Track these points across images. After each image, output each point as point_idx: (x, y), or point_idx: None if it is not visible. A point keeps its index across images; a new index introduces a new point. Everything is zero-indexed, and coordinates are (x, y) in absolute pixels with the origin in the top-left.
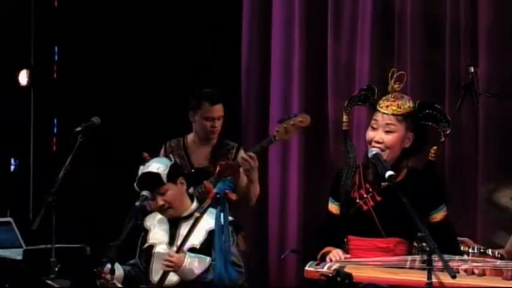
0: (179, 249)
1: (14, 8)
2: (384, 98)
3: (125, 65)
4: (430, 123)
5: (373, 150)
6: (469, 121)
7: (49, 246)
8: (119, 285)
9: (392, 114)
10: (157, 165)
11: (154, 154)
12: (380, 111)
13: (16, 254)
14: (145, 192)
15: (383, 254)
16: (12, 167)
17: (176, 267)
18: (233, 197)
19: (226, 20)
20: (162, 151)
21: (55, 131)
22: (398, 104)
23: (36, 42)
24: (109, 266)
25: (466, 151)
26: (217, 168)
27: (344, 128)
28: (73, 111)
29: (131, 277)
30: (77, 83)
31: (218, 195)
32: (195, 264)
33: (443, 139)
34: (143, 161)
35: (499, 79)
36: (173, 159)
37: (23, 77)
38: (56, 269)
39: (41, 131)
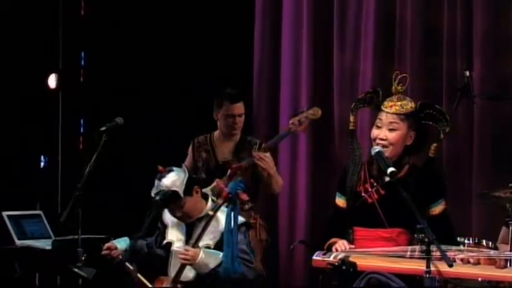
0: (195, 245)
1: (44, 17)
2: (388, 99)
3: (145, 69)
4: (430, 123)
5: (376, 148)
6: (465, 121)
7: (76, 237)
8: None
9: (395, 114)
10: (173, 181)
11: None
12: (384, 111)
13: (46, 244)
14: (158, 197)
15: (386, 243)
16: (42, 164)
17: (191, 261)
18: (244, 197)
19: (239, 28)
20: (190, 147)
21: (82, 130)
22: (400, 104)
23: (64, 49)
24: (113, 243)
25: (462, 149)
26: (228, 172)
27: (351, 127)
28: (98, 112)
29: (140, 252)
30: (102, 86)
31: (230, 195)
32: (209, 259)
33: (442, 137)
34: (159, 175)
35: (492, 82)
36: (186, 170)
37: (52, 81)
38: (83, 258)
39: (69, 131)
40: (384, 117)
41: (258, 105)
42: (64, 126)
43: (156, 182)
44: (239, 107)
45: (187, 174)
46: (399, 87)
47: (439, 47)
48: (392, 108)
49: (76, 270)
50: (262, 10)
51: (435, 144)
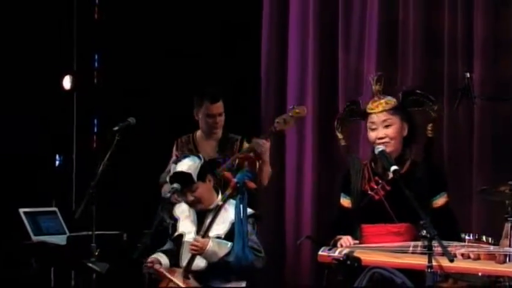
0: (205, 235)
1: (59, 21)
2: (370, 102)
3: (157, 70)
4: (417, 108)
5: (379, 148)
6: (465, 121)
7: (90, 233)
8: (167, 274)
9: (385, 111)
10: (189, 165)
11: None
12: (373, 113)
13: (60, 240)
14: (175, 185)
15: (395, 237)
16: (57, 162)
17: (201, 251)
18: (252, 185)
19: (248, 32)
20: (174, 147)
21: (95, 130)
22: (385, 102)
23: (78, 51)
24: (155, 256)
25: (462, 147)
26: (236, 161)
27: (343, 144)
28: (111, 113)
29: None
30: (115, 87)
31: (238, 185)
32: (218, 248)
33: (434, 115)
34: (175, 159)
35: (491, 84)
36: (202, 158)
37: (67, 82)
38: (96, 253)
39: (83, 130)
40: (376, 118)
41: (265, 106)
42: (78, 126)
43: (172, 166)
44: (218, 107)
45: (202, 161)
46: (378, 87)
47: (440, 49)
48: (379, 107)
49: (90, 265)
50: (269, 14)
51: (431, 124)
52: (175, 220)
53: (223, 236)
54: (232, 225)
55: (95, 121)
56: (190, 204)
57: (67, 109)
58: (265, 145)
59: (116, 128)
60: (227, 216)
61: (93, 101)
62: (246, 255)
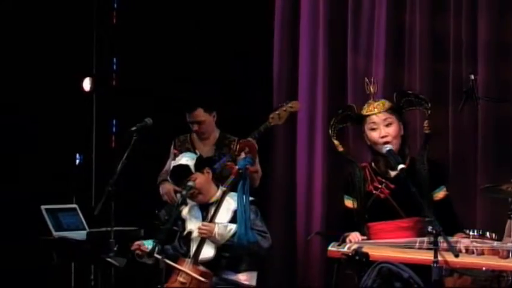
0: (211, 221)
1: (79, 26)
2: (366, 105)
3: (172, 72)
4: (411, 108)
5: (387, 147)
6: (470, 121)
7: (109, 228)
8: (176, 265)
9: (385, 111)
10: (186, 159)
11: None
12: (372, 114)
13: (81, 235)
14: (190, 183)
15: (405, 232)
16: (77, 161)
17: (209, 234)
18: (253, 169)
19: (261, 36)
20: (172, 146)
21: (114, 130)
22: (382, 103)
23: (98, 54)
24: (142, 242)
25: (467, 147)
26: (238, 146)
27: (340, 150)
28: (129, 113)
29: (172, 256)
30: (133, 89)
31: (240, 171)
32: (224, 231)
33: (429, 113)
34: (174, 156)
35: (495, 86)
36: (198, 153)
37: (87, 84)
38: (115, 248)
39: (102, 130)
40: (376, 118)
41: (276, 105)
42: (98, 126)
43: (172, 163)
44: (197, 115)
45: (198, 155)
46: (373, 89)
47: (446, 52)
48: (378, 107)
49: (109, 259)
50: (281, 19)
51: (426, 121)
52: (183, 221)
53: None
54: (234, 213)
55: (114, 121)
56: (191, 197)
57: (86, 110)
58: (253, 145)
59: (133, 128)
60: (229, 206)
61: (111, 102)
62: (248, 235)
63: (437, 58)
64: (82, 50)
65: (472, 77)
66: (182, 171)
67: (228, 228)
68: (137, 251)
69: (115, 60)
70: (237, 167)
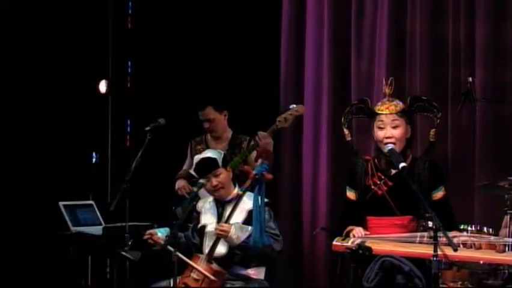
0: (227, 221)
1: (95, 31)
2: (380, 103)
3: (183, 75)
4: (424, 114)
5: (389, 146)
6: (468, 122)
7: (124, 224)
8: (162, 242)
9: (394, 113)
10: (213, 153)
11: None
12: (383, 114)
13: (97, 230)
14: (202, 180)
15: (399, 229)
16: (93, 160)
17: (226, 234)
18: (269, 177)
19: (266, 43)
20: (188, 148)
21: (128, 130)
22: (395, 104)
23: (113, 58)
24: (155, 230)
25: (465, 146)
26: (256, 154)
27: (348, 138)
28: (143, 114)
29: (178, 242)
30: (146, 91)
31: (257, 176)
32: (239, 232)
33: (438, 122)
34: (198, 152)
35: (492, 88)
36: (222, 152)
37: (103, 86)
38: (130, 242)
39: (117, 130)
40: (385, 118)
41: (284, 108)
42: (113, 126)
43: (196, 156)
44: (206, 113)
45: (224, 153)
46: (388, 90)
47: (445, 56)
48: (389, 109)
49: (124, 253)
50: (288, 24)
51: (433, 130)
52: (198, 213)
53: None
54: (249, 213)
55: (128, 122)
56: (213, 190)
57: (102, 111)
58: (267, 138)
59: (147, 128)
60: (244, 206)
61: (126, 103)
62: (263, 239)
63: (436, 62)
64: (98, 54)
65: (470, 79)
66: (209, 164)
67: (244, 230)
68: (150, 240)
69: (129, 63)
70: (254, 172)
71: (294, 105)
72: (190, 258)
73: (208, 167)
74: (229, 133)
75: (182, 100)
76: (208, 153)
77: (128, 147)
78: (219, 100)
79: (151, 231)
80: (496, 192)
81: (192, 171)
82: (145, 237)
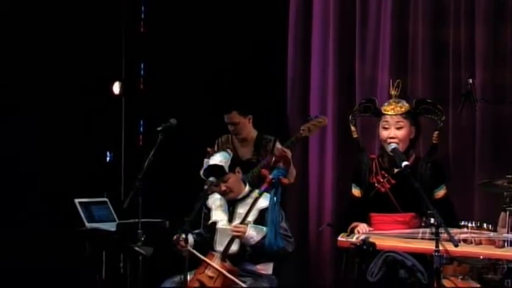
0: (243, 222)
1: (109, 34)
2: (386, 103)
3: (195, 76)
4: (428, 116)
5: (392, 145)
6: (468, 122)
7: (137, 220)
8: (192, 249)
9: (399, 114)
10: (220, 159)
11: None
12: (388, 114)
13: (111, 226)
14: (211, 178)
15: (401, 226)
16: (107, 158)
17: (243, 235)
18: (285, 181)
19: (275, 47)
20: (215, 147)
21: (141, 130)
22: (400, 106)
23: (126, 60)
24: (183, 236)
25: (466, 145)
26: (273, 159)
27: (354, 136)
28: (155, 115)
29: (198, 243)
30: (159, 92)
31: (273, 180)
32: (254, 233)
33: (441, 125)
34: (208, 155)
35: (491, 89)
36: (231, 153)
37: (116, 88)
38: (142, 238)
39: (130, 130)
40: (390, 119)
41: (291, 108)
42: (126, 127)
43: (205, 160)
44: (232, 116)
45: (231, 156)
46: (395, 92)
47: (446, 59)
48: (394, 110)
49: (137, 248)
50: (294, 29)
51: (436, 132)
52: (208, 210)
53: (252, 222)
54: (260, 212)
55: (141, 122)
56: (223, 194)
57: (116, 112)
58: (284, 152)
59: (159, 128)
60: (256, 205)
61: (139, 104)
62: (277, 241)
63: (437, 64)
64: (112, 57)
65: (470, 81)
66: (217, 171)
67: (258, 231)
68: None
69: (142, 65)
70: (270, 176)
71: (318, 116)
72: (204, 255)
73: (215, 173)
74: (254, 134)
75: (194, 101)
76: (217, 157)
77: (141, 147)
78: (244, 104)
79: (181, 239)
80: (495, 190)
81: (201, 173)
82: (179, 247)
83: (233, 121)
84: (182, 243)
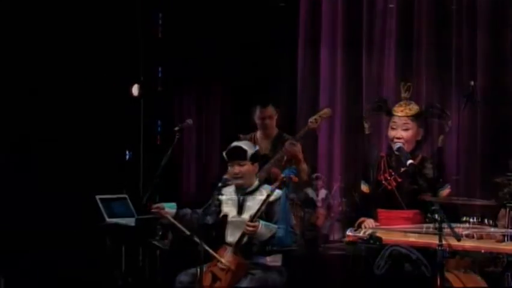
0: (253, 219)
1: (129, 40)
2: (397, 105)
3: (210, 78)
4: (436, 119)
5: (398, 144)
6: (470, 122)
7: (155, 215)
8: (170, 218)
9: (407, 116)
10: (247, 145)
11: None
12: (396, 115)
13: (130, 221)
14: (225, 176)
15: (405, 222)
16: (127, 157)
17: (254, 232)
18: (296, 179)
19: (286, 52)
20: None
21: (159, 129)
22: (409, 108)
23: (145, 64)
24: (163, 204)
25: (468, 144)
26: (285, 158)
27: (367, 132)
28: (172, 115)
29: (184, 217)
30: (175, 94)
31: (284, 179)
32: (265, 231)
33: (447, 129)
34: (238, 139)
35: (492, 90)
36: (257, 147)
37: (135, 90)
38: (160, 232)
39: (149, 130)
40: (398, 120)
41: (300, 107)
42: (145, 126)
43: (234, 142)
44: (267, 110)
45: (257, 148)
46: (405, 94)
47: (449, 62)
48: (403, 111)
49: (155, 242)
50: (304, 31)
51: (442, 136)
52: (219, 201)
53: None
54: (268, 205)
55: (159, 122)
56: (233, 177)
57: (135, 112)
58: (296, 146)
59: (176, 128)
60: (260, 198)
61: (157, 105)
62: (287, 239)
63: (441, 67)
64: (131, 61)
65: (472, 83)
66: (239, 152)
67: (270, 229)
68: (157, 214)
69: (160, 68)
70: (282, 175)
71: (322, 109)
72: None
73: (237, 155)
74: (275, 131)
75: (209, 101)
76: (244, 143)
77: (158, 145)
78: (277, 99)
79: (159, 205)
80: (495, 187)
81: (224, 153)
82: (153, 210)
83: (269, 114)
84: (157, 210)
